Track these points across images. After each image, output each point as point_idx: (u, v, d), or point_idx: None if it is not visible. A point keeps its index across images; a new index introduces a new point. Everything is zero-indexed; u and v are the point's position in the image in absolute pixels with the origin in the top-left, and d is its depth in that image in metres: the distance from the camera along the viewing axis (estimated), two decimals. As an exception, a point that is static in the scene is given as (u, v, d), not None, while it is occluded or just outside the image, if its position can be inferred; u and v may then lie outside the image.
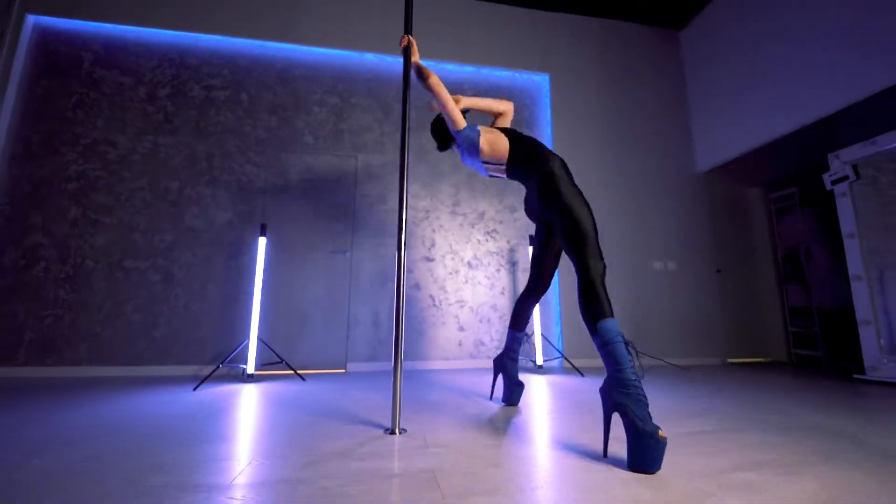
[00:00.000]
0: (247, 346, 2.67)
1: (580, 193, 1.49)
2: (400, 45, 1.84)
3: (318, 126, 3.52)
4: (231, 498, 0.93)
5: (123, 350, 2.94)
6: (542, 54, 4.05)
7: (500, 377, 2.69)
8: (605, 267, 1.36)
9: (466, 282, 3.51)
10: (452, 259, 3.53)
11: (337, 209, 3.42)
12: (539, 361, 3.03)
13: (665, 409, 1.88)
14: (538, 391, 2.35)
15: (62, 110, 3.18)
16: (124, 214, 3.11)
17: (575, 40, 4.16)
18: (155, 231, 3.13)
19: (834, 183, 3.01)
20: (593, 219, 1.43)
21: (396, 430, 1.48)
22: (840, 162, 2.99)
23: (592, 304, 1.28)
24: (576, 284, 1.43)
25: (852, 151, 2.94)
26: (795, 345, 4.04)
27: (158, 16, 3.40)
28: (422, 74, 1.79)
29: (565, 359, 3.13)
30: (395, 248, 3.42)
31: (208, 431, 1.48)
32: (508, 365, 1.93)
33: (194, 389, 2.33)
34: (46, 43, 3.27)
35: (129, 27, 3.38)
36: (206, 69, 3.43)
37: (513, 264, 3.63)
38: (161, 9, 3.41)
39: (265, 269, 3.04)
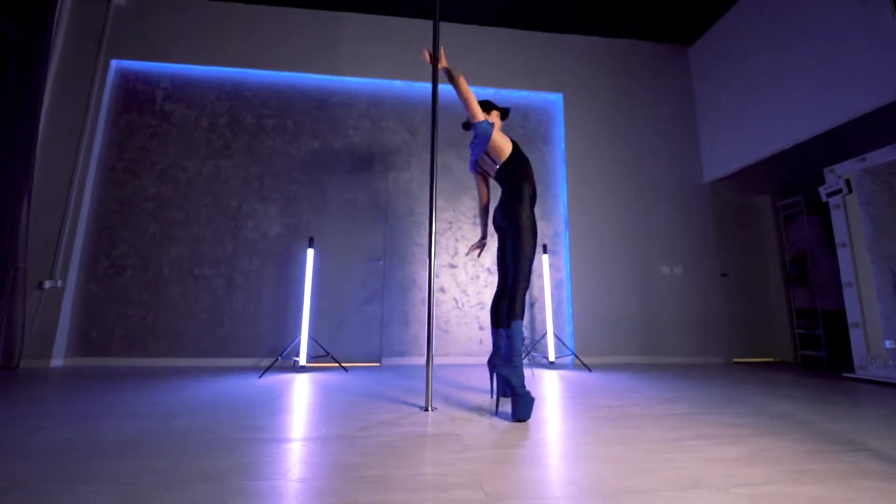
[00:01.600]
0: (299, 342, 3.15)
1: (535, 221, 1.93)
2: (425, 59, 2.17)
3: (353, 148, 3.98)
4: (307, 444, 1.37)
5: (195, 344, 3.48)
6: (556, 75, 4.37)
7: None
8: (529, 283, 1.86)
9: (486, 286, 3.90)
10: (473, 266, 3.93)
11: (371, 221, 3.87)
12: (551, 358, 3.39)
13: (650, 396, 2.22)
14: (549, 383, 2.72)
15: (141, 140, 3.75)
16: (193, 228, 3.65)
17: (587, 60, 4.47)
18: (218, 243, 3.66)
19: (829, 196, 3.23)
20: (535, 244, 1.90)
21: (429, 408, 1.89)
22: (834, 176, 3.21)
23: (513, 307, 1.82)
24: (508, 289, 1.86)
25: (845, 166, 3.16)
26: (801, 346, 4.24)
27: (217, 56, 3.93)
28: (451, 76, 2.06)
29: (576, 356, 3.48)
30: (423, 256, 3.86)
31: (280, 407, 1.94)
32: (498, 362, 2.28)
33: (260, 377, 2.82)
34: (127, 83, 3.85)
35: (193, 66, 3.92)
36: (257, 100, 3.94)
37: (528, 270, 3.98)
38: (219, 49, 3.94)
39: (313, 276, 3.52)
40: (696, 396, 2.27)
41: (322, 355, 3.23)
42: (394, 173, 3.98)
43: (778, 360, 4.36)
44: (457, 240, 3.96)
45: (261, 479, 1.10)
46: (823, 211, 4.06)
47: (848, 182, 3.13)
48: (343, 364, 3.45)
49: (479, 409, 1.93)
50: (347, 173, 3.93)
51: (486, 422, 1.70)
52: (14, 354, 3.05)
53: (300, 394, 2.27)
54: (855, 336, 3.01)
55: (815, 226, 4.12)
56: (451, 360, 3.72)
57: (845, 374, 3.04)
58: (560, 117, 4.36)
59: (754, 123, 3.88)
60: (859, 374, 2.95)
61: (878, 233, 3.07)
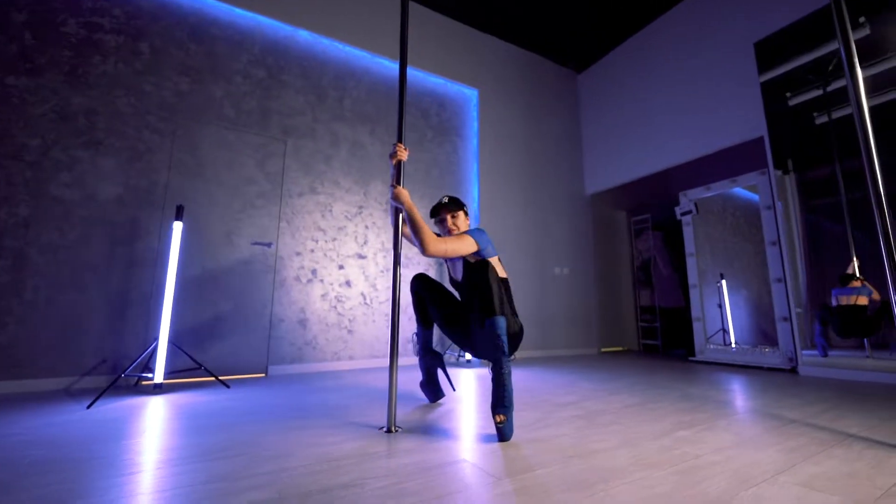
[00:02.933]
0: (155, 350, 2.24)
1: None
2: (392, 157, 1.74)
3: (240, 98, 3.11)
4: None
5: (-61, 360, 2.14)
6: (473, 70, 4.32)
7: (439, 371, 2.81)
8: None
9: (399, 279, 3.53)
10: (385, 257, 3.52)
11: (261, 195, 3.08)
12: (468, 357, 3.26)
13: (588, 389, 2.28)
14: (476, 382, 2.56)
15: None
16: (-55, 174, 2.26)
17: (501, 63, 4.56)
18: (2, 201, 2.35)
19: (682, 215, 4.00)
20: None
21: (392, 428, 1.49)
22: (687, 199, 3.99)
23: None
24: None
25: (696, 192, 3.96)
26: (643, 336, 5.17)
27: (14, -86, 2.55)
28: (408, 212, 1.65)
29: (488, 353, 3.44)
30: (327, 242, 3.27)
31: (120, 456, 1.27)
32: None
33: (88, 407, 1.86)
34: None
35: (-39, -83, 2.46)
36: (88, 2, 2.72)
37: (440, 264, 3.80)
38: None
39: (179, 261, 2.56)
40: (624, 385, 2.44)
41: (191, 368, 2.37)
42: (294, 140, 3.28)
43: (626, 348, 5.23)
44: (367, 227, 3.50)
45: None
46: (665, 227, 5.05)
47: (696, 204, 3.91)
48: (223, 378, 2.62)
49: (445, 426, 1.62)
50: (231, 129, 3.05)
51: (458, 444, 1.42)
52: None
53: (155, 434, 1.55)
54: (697, 328, 3.78)
55: (657, 239, 5.10)
56: (357, 363, 3.24)
57: (690, 358, 3.78)
58: (474, 113, 4.32)
59: (625, 150, 4.55)
60: (699, 357, 3.71)
61: (698, 249, 3.97)
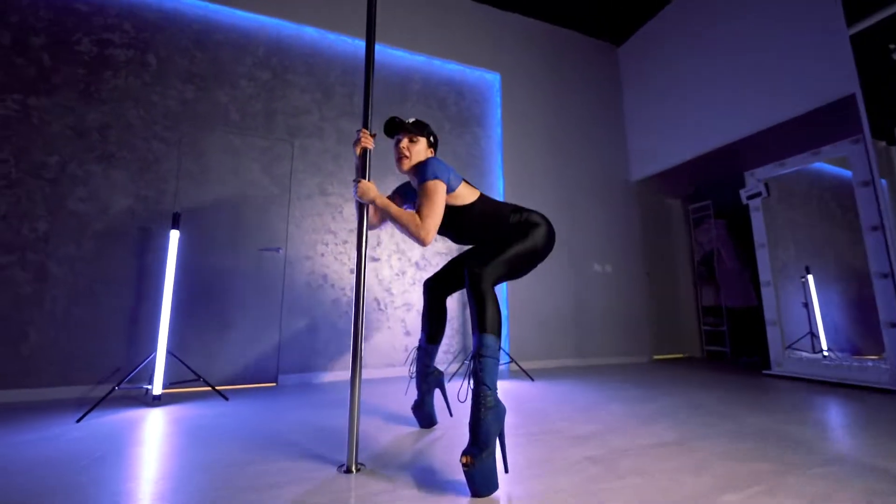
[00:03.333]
0: (153, 360, 2.21)
1: None
2: (356, 145, 1.52)
3: (245, 102, 3.06)
4: None
5: (-28, 369, 2.27)
6: (494, 52, 3.97)
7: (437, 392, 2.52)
8: None
9: (414, 283, 3.31)
10: (399, 259, 3.31)
11: (268, 199, 3.00)
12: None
13: (618, 414, 1.88)
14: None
15: None
16: (-25, 194, 2.40)
17: (525, 42, 4.15)
18: (23, 216, 2.46)
19: (749, 198, 3.34)
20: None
21: (353, 468, 1.25)
22: (755, 179, 3.32)
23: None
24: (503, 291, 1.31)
25: (765, 171, 3.28)
26: (707, 341, 4.48)
27: (31, -57, 2.68)
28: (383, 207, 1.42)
29: (514, 362, 3.08)
30: (337, 245, 3.13)
31: (97, 482, 1.13)
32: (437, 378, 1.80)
33: (78, 421, 1.84)
34: None
35: (-13, -48, 2.61)
36: (101, 20, 2.79)
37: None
38: (35, -65, 2.69)
39: (178, 268, 2.55)
40: (664, 410, 2.00)
41: (190, 379, 2.33)
42: (301, 140, 3.17)
43: (687, 355, 4.57)
44: (379, 227, 3.30)
45: None
46: (729, 214, 4.33)
47: (766, 185, 3.24)
48: (220, 389, 2.56)
49: (417, 457, 1.34)
50: (237, 134, 3.00)
51: (430, 484, 1.13)
52: None
53: (139, 451, 1.43)
54: (772, 334, 3.12)
55: (721, 228, 4.38)
56: (373, 373, 3.06)
57: (764, 372, 3.13)
58: (496, 99, 3.97)
59: (676, 127, 3.93)
60: (776, 370, 3.06)
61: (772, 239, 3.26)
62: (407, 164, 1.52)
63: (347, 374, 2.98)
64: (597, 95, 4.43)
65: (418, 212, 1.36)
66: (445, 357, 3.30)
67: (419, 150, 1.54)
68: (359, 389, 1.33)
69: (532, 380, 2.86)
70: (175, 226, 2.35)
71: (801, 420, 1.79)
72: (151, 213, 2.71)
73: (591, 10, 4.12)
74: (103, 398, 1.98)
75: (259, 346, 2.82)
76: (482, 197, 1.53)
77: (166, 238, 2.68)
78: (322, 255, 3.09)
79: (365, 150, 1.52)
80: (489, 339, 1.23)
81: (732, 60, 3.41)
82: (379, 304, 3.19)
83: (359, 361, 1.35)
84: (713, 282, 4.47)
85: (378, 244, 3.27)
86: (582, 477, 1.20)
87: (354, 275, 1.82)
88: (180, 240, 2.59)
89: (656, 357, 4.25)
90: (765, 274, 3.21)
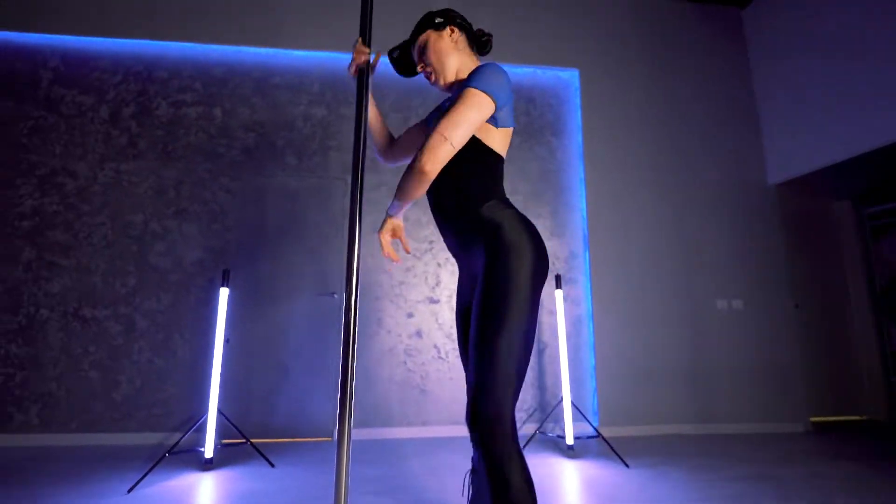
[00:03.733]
0: (205, 423, 2.20)
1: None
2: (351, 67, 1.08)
3: (302, 144, 3.00)
4: None
5: (81, 414, 2.54)
6: (570, 46, 3.35)
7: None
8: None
9: (478, 327, 2.90)
10: (461, 300, 2.94)
11: (323, 242, 2.90)
12: (569, 440, 2.38)
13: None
14: (569, 490, 1.72)
15: (16, 136, 2.81)
16: (83, 255, 2.72)
17: (609, 27, 3.43)
18: (116, 273, 2.71)
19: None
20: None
21: None
22: None
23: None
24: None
25: None
26: (902, 401, 3.19)
27: (124, 25, 2.97)
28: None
29: (602, 438, 2.46)
30: (394, 288, 2.88)
31: None
32: None
33: (129, 492, 1.86)
34: (3, 60, 2.92)
35: (92, 38, 2.97)
36: (175, 83, 2.99)
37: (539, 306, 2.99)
38: (127, 17, 2.99)
39: (231, 318, 2.56)
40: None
41: (240, 441, 2.27)
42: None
43: (864, 417, 3.31)
44: (439, 265, 2.97)
45: None
46: (938, 222, 3.00)
47: None
48: (277, 441, 2.48)
49: None
50: (294, 177, 2.96)
51: None
52: None
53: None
54: None
55: (923, 242, 3.06)
56: (432, 431, 2.74)
57: None
58: (575, 100, 3.34)
59: (841, 107, 2.83)
60: None
61: None
62: (443, 78, 1.04)
63: (407, 432, 2.71)
64: (715, 77, 3.47)
65: (438, 124, 0.89)
66: (519, 416, 2.82)
67: (443, 47, 1.03)
68: (346, 459, 0.98)
69: (627, 466, 2.21)
70: (224, 283, 2.33)
71: None
72: (217, 263, 2.79)
73: (700, -28, 3.23)
74: (154, 465, 2.00)
75: (314, 398, 2.71)
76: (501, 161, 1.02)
77: (216, 296, 2.72)
78: (377, 297, 2.87)
79: (360, 69, 1.05)
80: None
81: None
82: (439, 351, 2.85)
83: (348, 416, 1.00)
84: (911, 318, 3.15)
85: (437, 283, 2.94)
86: None
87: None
88: (234, 293, 2.60)
89: (815, 419, 3.14)
90: None
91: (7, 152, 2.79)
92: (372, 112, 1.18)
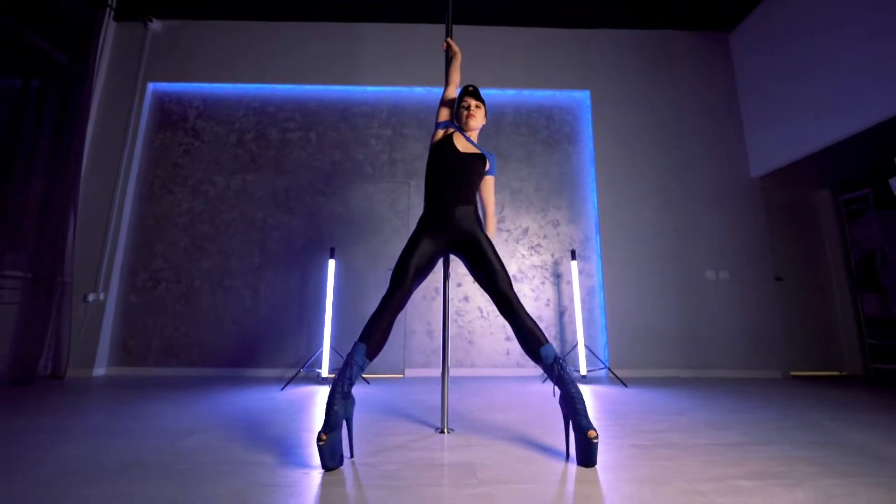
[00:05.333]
0: (321, 353, 3.14)
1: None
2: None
3: (375, 157, 3.96)
4: (311, 473, 1.29)
5: (224, 354, 3.55)
6: (582, 71, 4.17)
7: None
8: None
9: (512, 294, 3.73)
10: (498, 273, 3.78)
11: (392, 231, 3.82)
12: (583, 371, 3.18)
13: (696, 419, 1.99)
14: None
15: (174, 158, 3.91)
16: (222, 241, 3.75)
17: (615, 54, 4.23)
18: (245, 254, 3.73)
19: (903, 188, 2.84)
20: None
21: (445, 430, 1.78)
22: (909, 166, 2.81)
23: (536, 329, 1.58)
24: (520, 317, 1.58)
25: (924, 154, 2.76)
26: (873, 358, 3.76)
27: (244, 73, 4.04)
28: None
29: (610, 370, 3.23)
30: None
31: (294, 426, 1.89)
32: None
33: (282, 389, 2.81)
34: (162, 103, 4.04)
35: (222, 84, 4.06)
36: (282, 115, 4.02)
37: (557, 277, 3.79)
38: (246, 68, 4.06)
39: (334, 287, 3.51)
40: (751, 420, 2.02)
41: (344, 367, 3.19)
42: (416, 181, 3.93)
43: (845, 373, 3.89)
44: (481, 247, 3.83)
45: (251, 514, 1.03)
46: (896, 205, 3.60)
47: (927, 172, 2.73)
48: (365, 377, 3.40)
49: (499, 432, 1.79)
50: (370, 182, 3.91)
51: (505, 449, 1.56)
52: (61, 365, 3.23)
53: (319, 410, 2.22)
54: (942, 350, 2.60)
55: (887, 221, 3.65)
56: (478, 371, 3.58)
57: (932, 394, 2.62)
58: (587, 116, 4.15)
59: (809, 110, 3.50)
60: (950, 394, 2.54)
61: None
62: (474, 124, 1.89)
63: (459, 371, 3.56)
64: (702, 91, 4.19)
65: (489, 203, 1.94)
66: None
67: (481, 116, 1.93)
68: (447, 377, 1.85)
69: (625, 386, 2.99)
70: (331, 256, 3.28)
71: (918, 442, 1.64)
72: (317, 247, 3.76)
73: (690, 3, 3.98)
74: (292, 378, 2.94)
75: (390, 346, 3.60)
76: None
77: (326, 266, 3.68)
78: (434, 271, 3.75)
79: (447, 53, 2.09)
80: (550, 348, 1.55)
81: (874, 23, 2.96)
82: (482, 312, 3.70)
83: (447, 355, 1.87)
84: (878, 287, 3.74)
85: (480, 261, 3.80)
86: (622, 455, 1.48)
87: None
88: (336, 266, 3.55)
89: (795, 373, 3.76)
90: (930, 278, 2.69)
91: (168, 169, 3.88)
92: (454, 68, 2.06)
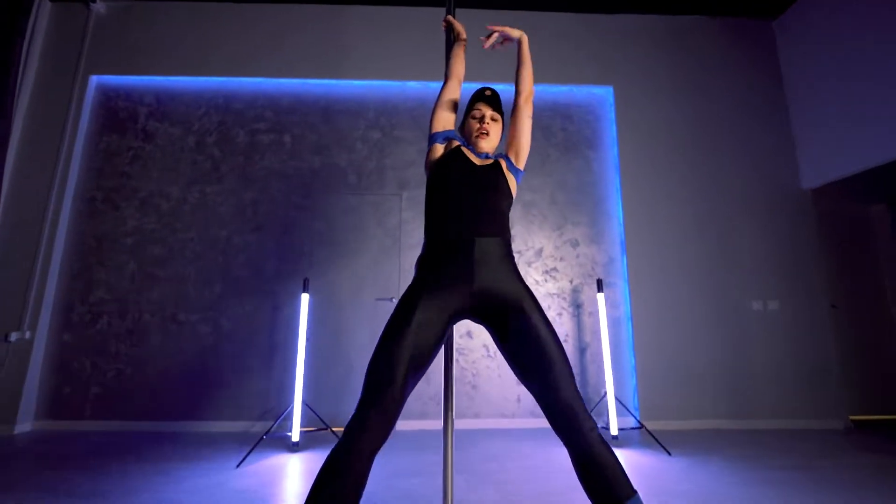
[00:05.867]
0: (291, 412, 2.53)
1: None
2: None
3: (360, 164, 3.35)
4: None
5: (177, 404, 2.94)
6: (604, 64, 3.57)
7: None
8: None
9: (524, 329, 3.15)
10: (507, 304, 3.19)
11: (381, 251, 3.22)
12: (613, 431, 2.59)
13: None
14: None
15: (121, 165, 3.27)
16: (176, 266, 3.13)
17: (642, 45, 3.64)
18: (204, 282, 3.11)
19: None
20: None
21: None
22: None
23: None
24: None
25: None
26: (946, 401, 3.22)
27: (206, 64, 3.41)
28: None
29: (644, 428, 2.66)
30: (445, 293, 3.15)
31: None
32: None
33: (237, 467, 2.20)
34: (108, 100, 3.39)
35: (180, 78, 3.42)
36: (251, 113, 3.39)
37: (577, 307, 3.21)
38: (208, 57, 3.42)
39: (308, 324, 2.90)
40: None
41: (322, 428, 2.60)
42: (409, 192, 3.32)
43: (909, 416, 3.35)
44: (487, 271, 3.24)
45: None
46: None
47: None
48: (336, 430, 2.80)
49: None
50: (354, 194, 3.30)
51: None
52: (-31, 424, 2.60)
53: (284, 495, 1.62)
54: None
55: (964, 243, 3.10)
56: (482, 423, 3.00)
57: None
58: (610, 115, 3.55)
59: (873, 111, 2.94)
60: None
61: None
62: (486, 146, 1.29)
63: (460, 424, 2.98)
64: (744, 88, 3.61)
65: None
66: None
67: (498, 131, 1.33)
68: (450, 458, 1.25)
69: (669, 454, 2.41)
70: (305, 289, 2.67)
71: None
72: (290, 272, 3.15)
73: (728, -11, 3.40)
74: (253, 447, 2.34)
75: (379, 392, 3.01)
76: None
77: (300, 294, 3.07)
78: (431, 302, 3.16)
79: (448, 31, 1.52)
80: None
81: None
82: (488, 350, 3.12)
83: (450, 415, 1.28)
84: (953, 318, 3.19)
85: (485, 289, 3.21)
86: None
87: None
88: (310, 296, 2.94)
89: (855, 418, 3.21)
90: None
91: (113, 179, 3.24)
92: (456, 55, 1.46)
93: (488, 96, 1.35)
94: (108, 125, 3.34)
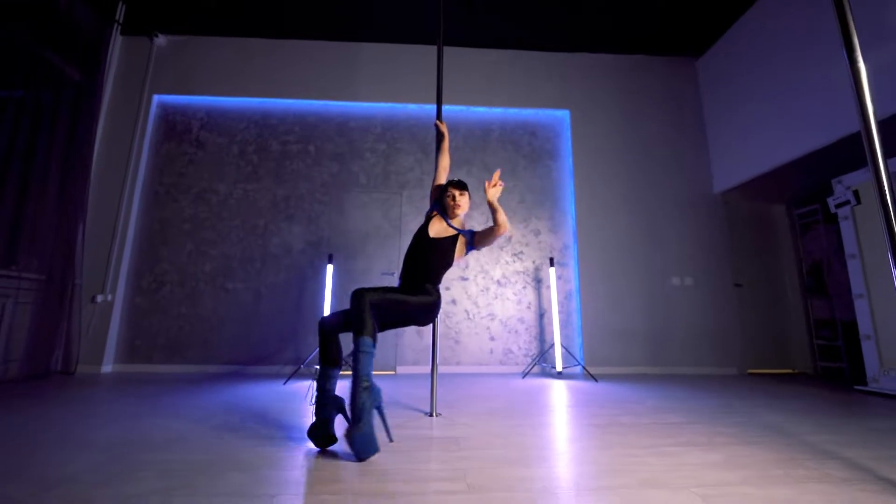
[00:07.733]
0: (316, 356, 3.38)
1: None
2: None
3: (369, 169, 4.24)
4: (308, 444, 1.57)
5: (226, 352, 3.78)
6: (563, 92, 4.52)
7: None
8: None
9: (496, 298, 4.05)
10: (483, 278, 4.09)
11: (385, 237, 4.10)
12: (559, 368, 3.50)
13: (649, 406, 2.31)
14: (555, 392, 2.85)
15: (179, 167, 4.13)
16: (224, 246, 3.99)
17: (594, 77, 4.60)
18: (247, 259, 3.97)
19: (837, 207, 3.24)
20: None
21: (434, 414, 2.07)
22: (842, 187, 3.22)
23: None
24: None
25: (855, 176, 3.17)
26: (821, 357, 4.17)
27: (246, 88, 4.29)
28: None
29: (584, 368, 3.55)
30: (435, 269, 4.05)
31: (303, 410, 2.16)
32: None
33: (284, 384, 3.06)
34: (167, 115, 4.26)
35: (225, 98, 4.30)
36: (282, 127, 4.28)
37: (538, 282, 4.12)
38: (248, 82, 4.30)
39: (333, 289, 3.77)
40: (695, 407, 2.35)
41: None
42: (408, 191, 4.22)
43: (797, 371, 4.29)
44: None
45: (282, 469, 1.31)
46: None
47: (856, 193, 3.13)
48: (361, 372, 3.66)
49: (480, 416, 2.09)
50: (364, 192, 4.19)
51: (485, 428, 1.86)
52: (72, 361, 3.42)
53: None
54: (867, 348, 2.99)
55: (833, 235, 4.07)
56: (463, 369, 3.88)
57: (857, 387, 3.01)
58: (567, 133, 4.50)
59: (765, 132, 3.89)
60: (872, 386, 2.93)
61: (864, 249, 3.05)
62: (459, 212, 1.97)
63: (446, 369, 3.85)
64: (673, 112, 4.58)
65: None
66: (525, 359, 3.93)
67: (466, 201, 2.00)
68: (436, 371, 2.14)
69: (596, 381, 3.32)
70: (330, 261, 3.54)
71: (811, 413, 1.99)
72: (315, 252, 4.02)
73: (662, 31, 4.36)
74: (293, 373, 3.19)
75: (383, 345, 3.88)
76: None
77: (324, 268, 3.94)
78: (424, 277, 4.04)
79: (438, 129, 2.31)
80: (364, 340, 1.63)
81: (823, 59, 3.35)
82: (468, 314, 4.01)
83: (436, 354, 2.16)
84: (825, 293, 4.15)
85: (466, 266, 4.11)
86: (582, 431, 1.80)
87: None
88: (332, 271, 3.81)
89: (751, 371, 4.15)
90: (857, 287, 3.09)
91: (173, 178, 4.10)
92: (442, 151, 2.29)
93: (456, 183, 2.01)
94: (167, 135, 4.20)
